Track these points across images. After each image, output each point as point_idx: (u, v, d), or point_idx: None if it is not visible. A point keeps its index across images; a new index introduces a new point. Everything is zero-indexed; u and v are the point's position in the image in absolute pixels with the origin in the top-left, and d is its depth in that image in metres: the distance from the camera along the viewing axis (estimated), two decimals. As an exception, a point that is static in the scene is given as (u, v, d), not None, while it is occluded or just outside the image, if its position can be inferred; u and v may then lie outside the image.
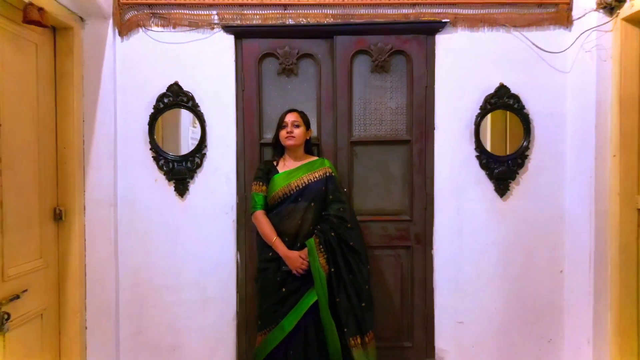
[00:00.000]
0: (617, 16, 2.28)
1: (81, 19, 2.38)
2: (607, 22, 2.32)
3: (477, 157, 2.55)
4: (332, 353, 2.23)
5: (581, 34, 2.41)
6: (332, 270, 2.23)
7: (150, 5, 2.46)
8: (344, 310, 2.22)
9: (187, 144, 2.64)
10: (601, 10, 2.32)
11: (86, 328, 2.44)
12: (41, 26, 2.03)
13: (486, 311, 2.58)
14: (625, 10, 2.23)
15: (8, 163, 1.93)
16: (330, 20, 2.50)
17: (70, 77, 2.33)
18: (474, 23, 2.52)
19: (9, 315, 1.90)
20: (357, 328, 2.23)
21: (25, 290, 2.04)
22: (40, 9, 1.99)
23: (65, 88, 2.32)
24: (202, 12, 2.48)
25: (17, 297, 1.97)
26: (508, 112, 2.57)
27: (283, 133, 2.31)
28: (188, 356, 2.52)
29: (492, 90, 2.53)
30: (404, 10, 2.50)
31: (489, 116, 2.59)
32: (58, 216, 2.32)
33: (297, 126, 2.32)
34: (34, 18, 1.95)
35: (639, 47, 2.25)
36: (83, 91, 2.40)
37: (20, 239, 2.02)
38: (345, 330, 2.21)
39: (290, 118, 2.32)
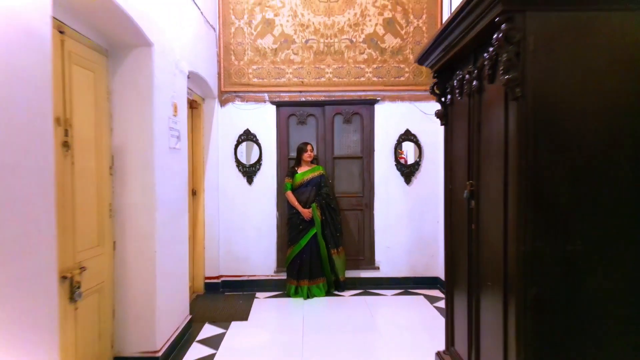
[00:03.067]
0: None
1: (203, 99, 4.99)
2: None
3: (395, 165, 5.15)
4: (323, 257, 4.84)
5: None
6: (323, 218, 4.83)
7: (235, 92, 5.07)
8: (328, 236, 4.82)
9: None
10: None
11: (204, 247, 5.05)
12: (195, 108, 4.65)
13: (401, 242, 5.18)
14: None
15: (191, 171, 4.53)
16: (323, 98, 5.10)
17: (199, 128, 4.93)
18: (393, 99, 5.11)
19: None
20: (335, 245, 4.85)
21: (186, 225, 4.64)
22: (196, 101, 4.61)
23: (196, 133, 4.93)
24: (260, 95, 5.08)
25: (186, 227, 4.58)
26: (410, 142, 5.16)
27: (305, 155, 4.87)
28: (253, 262, 5.13)
29: (402, 132, 5.13)
30: (359, 93, 5.10)
31: (403, 144, 5.17)
32: (193, 193, 4.92)
33: (311, 150, 4.90)
34: (194, 107, 4.58)
35: (465, 115, 4.84)
36: (203, 134, 5.00)
37: (185, 203, 4.62)
38: (329, 245, 4.83)
39: (308, 146, 4.89)
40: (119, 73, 3.01)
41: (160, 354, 3.10)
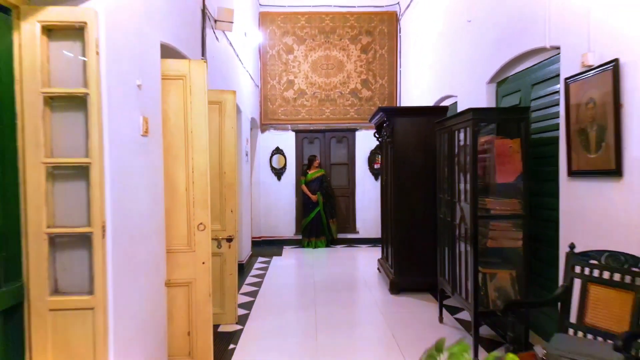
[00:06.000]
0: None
1: (251, 129, 8.22)
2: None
3: (369, 169, 8.39)
4: (324, 224, 8.09)
5: (397, 133, 8.26)
6: (324, 201, 8.07)
7: (270, 124, 8.31)
8: (327, 212, 8.08)
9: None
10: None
11: (252, 219, 8.28)
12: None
13: (372, 216, 8.38)
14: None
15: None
16: (324, 128, 8.33)
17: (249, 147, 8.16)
18: (367, 128, 8.32)
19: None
20: (331, 217, 8.11)
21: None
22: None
23: (251, 148, 8.16)
24: (285, 125, 8.32)
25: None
26: (378, 154, 8.39)
27: (314, 163, 8.09)
28: (281, 228, 8.37)
29: (373, 148, 8.35)
30: (346, 125, 8.33)
31: (374, 156, 8.40)
32: (252, 185, 8.17)
33: (317, 160, 8.13)
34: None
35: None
36: (251, 150, 8.23)
37: (249, 189, 7.86)
38: (328, 217, 8.09)
39: (316, 157, 8.12)
40: (225, 125, 6.25)
41: (244, 262, 6.34)
